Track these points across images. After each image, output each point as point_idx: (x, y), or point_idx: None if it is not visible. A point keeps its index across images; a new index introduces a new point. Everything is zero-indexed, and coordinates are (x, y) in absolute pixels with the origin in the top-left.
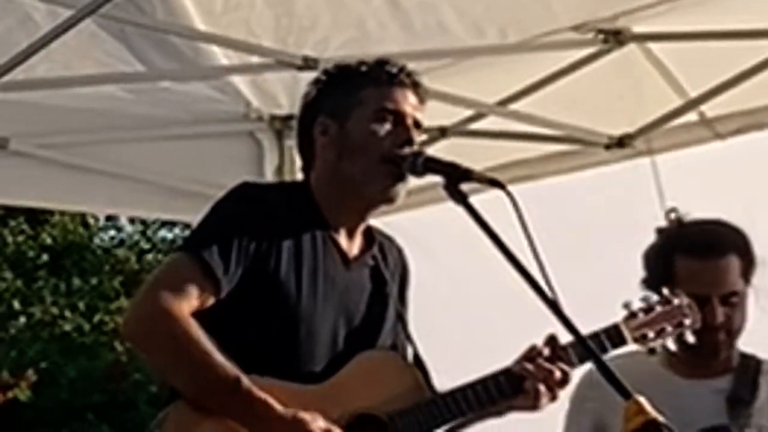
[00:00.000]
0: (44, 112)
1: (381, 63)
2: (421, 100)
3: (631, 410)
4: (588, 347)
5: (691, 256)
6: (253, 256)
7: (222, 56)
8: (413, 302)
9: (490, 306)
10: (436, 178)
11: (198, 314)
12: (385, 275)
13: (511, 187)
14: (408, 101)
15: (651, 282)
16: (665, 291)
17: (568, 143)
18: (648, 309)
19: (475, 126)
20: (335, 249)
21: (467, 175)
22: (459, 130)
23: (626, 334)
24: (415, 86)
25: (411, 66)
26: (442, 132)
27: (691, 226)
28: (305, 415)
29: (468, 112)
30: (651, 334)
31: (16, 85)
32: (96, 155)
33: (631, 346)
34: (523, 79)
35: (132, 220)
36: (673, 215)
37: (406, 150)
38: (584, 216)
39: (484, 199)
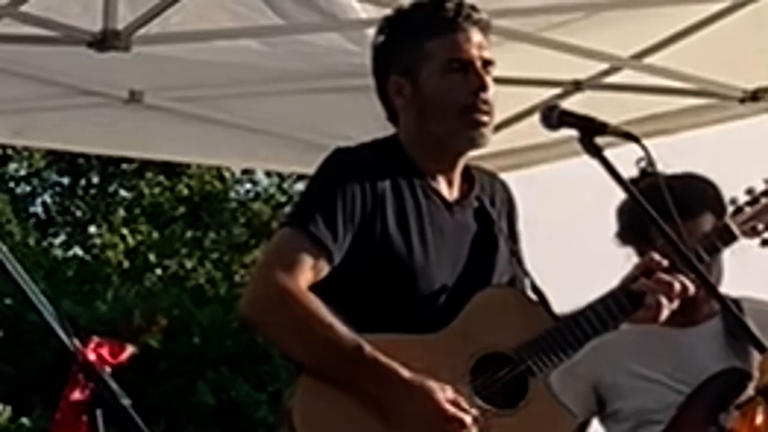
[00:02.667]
0: (178, 66)
1: (437, 5)
2: (485, 35)
3: (767, 364)
4: (699, 254)
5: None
6: (359, 219)
7: (361, 10)
8: (532, 238)
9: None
10: (571, 132)
11: (315, 285)
12: (492, 214)
13: (646, 142)
14: (473, 44)
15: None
16: None
17: (703, 97)
18: (753, 201)
19: (609, 80)
20: (436, 196)
21: (602, 128)
22: (594, 83)
23: (734, 228)
24: (476, 22)
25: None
26: (577, 85)
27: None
28: (433, 384)
29: (603, 66)
30: (760, 226)
31: (150, 39)
32: (231, 109)
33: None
34: (658, 32)
35: (268, 174)
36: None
37: (482, 96)
38: (720, 170)
39: (618, 154)
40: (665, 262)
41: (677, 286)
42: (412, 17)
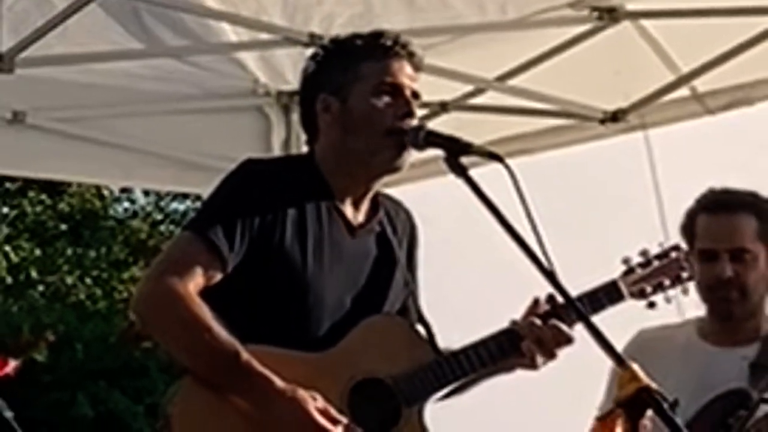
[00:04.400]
0: (60, 88)
1: (376, 36)
2: (417, 69)
3: (625, 377)
4: (578, 309)
5: (706, 212)
6: (258, 230)
7: (231, 33)
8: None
9: (488, 274)
10: (437, 152)
11: (206, 290)
12: (392, 241)
13: (509, 161)
14: (405, 73)
15: (687, 244)
16: (664, 245)
17: (564, 118)
18: (645, 263)
19: (474, 101)
20: (340, 218)
21: (467, 148)
22: (459, 104)
23: (624, 289)
24: (411, 56)
25: (413, 42)
26: (443, 106)
27: (716, 190)
28: (304, 394)
29: (468, 88)
30: (648, 289)
31: (33, 62)
32: (110, 129)
33: (630, 302)
34: (521, 55)
35: (146, 192)
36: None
37: (408, 122)
38: (580, 189)
39: (482, 173)
40: (542, 310)
41: (549, 334)
42: (349, 43)
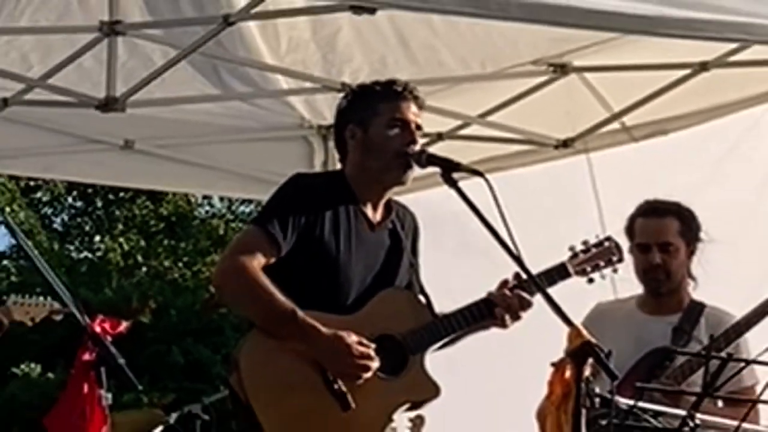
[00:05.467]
0: (159, 123)
1: (390, 83)
2: (420, 108)
3: (573, 334)
4: (536, 282)
5: (641, 216)
6: (303, 225)
7: (284, 82)
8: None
9: (472, 260)
10: (435, 169)
11: (266, 268)
12: (401, 235)
13: (488, 176)
14: (411, 111)
15: (628, 241)
16: (600, 236)
17: (528, 144)
18: (586, 250)
19: (462, 132)
20: (363, 217)
21: (457, 166)
22: (451, 135)
23: (570, 269)
24: (416, 99)
25: (417, 88)
26: (439, 136)
27: (650, 200)
28: (342, 333)
29: (457, 122)
30: (588, 268)
31: (140, 103)
32: (196, 153)
33: (576, 278)
34: (496, 98)
35: (221, 198)
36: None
37: (412, 148)
38: (538, 198)
39: (468, 184)
40: (511, 283)
41: (515, 301)
42: (370, 87)
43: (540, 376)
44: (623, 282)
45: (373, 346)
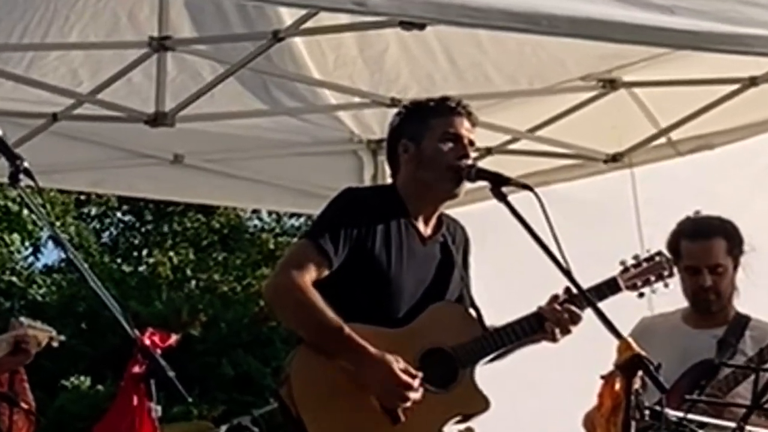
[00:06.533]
0: (208, 137)
1: (444, 99)
2: (473, 124)
3: (623, 347)
4: (587, 297)
5: (687, 239)
6: (355, 239)
7: (332, 98)
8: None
9: (523, 275)
10: (485, 183)
11: (318, 282)
12: (452, 249)
13: (537, 190)
14: (464, 126)
15: (672, 257)
16: (651, 251)
17: (576, 159)
18: (637, 264)
19: (511, 146)
20: (414, 231)
21: (507, 181)
22: (500, 149)
23: (621, 283)
24: (469, 115)
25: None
26: (488, 151)
27: (693, 218)
28: (390, 357)
29: (507, 137)
30: (639, 283)
31: (189, 118)
32: (246, 167)
33: (627, 293)
34: (545, 113)
35: (270, 212)
36: (693, 213)
37: (464, 162)
38: (584, 211)
39: (517, 198)
40: (561, 298)
41: (566, 316)
42: (424, 104)
43: (588, 388)
44: (660, 295)
45: (419, 375)
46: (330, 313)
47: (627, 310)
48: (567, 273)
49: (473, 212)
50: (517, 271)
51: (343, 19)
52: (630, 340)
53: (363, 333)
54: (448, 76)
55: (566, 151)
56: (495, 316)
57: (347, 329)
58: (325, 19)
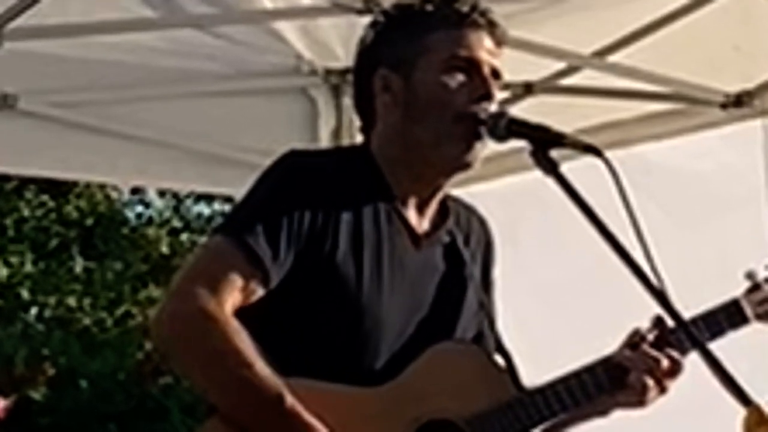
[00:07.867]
0: (57, 66)
1: (449, 1)
2: (499, 44)
3: (752, 420)
4: (693, 335)
5: None
6: (306, 237)
7: (268, 1)
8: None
9: (581, 295)
10: (521, 143)
11: (243, 309)
12: (464, 254)
13: (608, 154)
14: (483, 46)
15: None
16: None
17: (676, 101)
18: None
19: (565, 81)
20: (402, 225)
21: (559, 139)
22: (547, 86)
23: (748, 310)
24: (491, 26)
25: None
26: (528, 88)
27: None
28: None
29: (558, 65)
30: None
31: (24, 33)
32: (120, 116)
33: (757, 324)
34: (623, 26)
35: (162, 193)
36: None
37: (485, 107)
38: (690, 191)
39: (574, 168)
40: (652, 336)
41: (665, 363)
42: (417, 9)
43: None
44: None
45: None
46: (263, 370)
47: (749, 338)
48: (659, 294)
49: (501, 192)
50: (571, 288)
51: None
52: (763, 407)
53: (317, 397)
54: None
55: (658, 89)
56: (535, 364)
57: (289, 399)
58: None
